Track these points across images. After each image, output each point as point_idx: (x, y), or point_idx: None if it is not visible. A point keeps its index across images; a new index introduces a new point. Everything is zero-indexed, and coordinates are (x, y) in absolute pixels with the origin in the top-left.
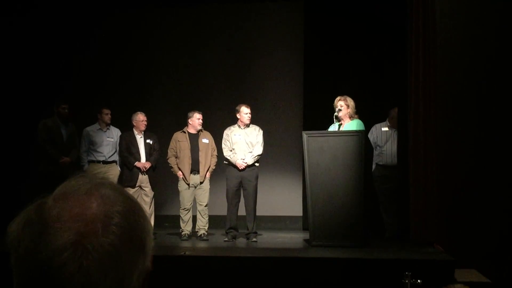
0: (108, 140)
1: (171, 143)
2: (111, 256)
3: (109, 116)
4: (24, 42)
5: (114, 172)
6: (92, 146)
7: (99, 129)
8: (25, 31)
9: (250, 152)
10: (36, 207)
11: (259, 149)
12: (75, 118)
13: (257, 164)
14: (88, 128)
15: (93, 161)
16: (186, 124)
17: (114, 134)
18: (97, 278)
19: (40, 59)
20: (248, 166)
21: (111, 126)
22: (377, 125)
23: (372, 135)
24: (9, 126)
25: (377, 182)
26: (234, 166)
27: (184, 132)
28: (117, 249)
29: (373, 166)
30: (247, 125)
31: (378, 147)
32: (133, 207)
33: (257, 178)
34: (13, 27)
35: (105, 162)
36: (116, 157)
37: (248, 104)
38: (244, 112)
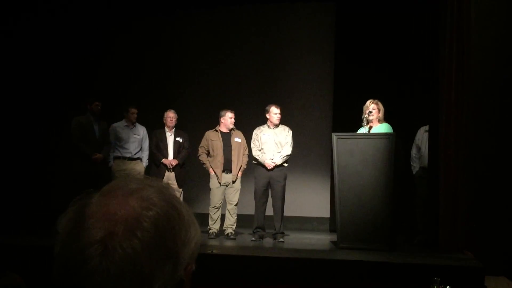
0: (135, 137)
1: (202, 141)
2: (130, 259)
3: (135, 115)
4: (55, 40)
5: (139, 168)
6: (119, 142)
7: (126, 125)
8: (57, 30)
9: (279, 152)
10: (83, 201)
11: (288, 150)
12: (106, 115)
13: (285, 165)
14: (115, 124)
15: (118, 157)
16: (217, 123)
17: (140, 131)
18: (114, 278)
19: (71, 57)
20: (276, 166)
21: (137, 124)
22: (422, 128)
23: (416, 137)
24: (42, 124)
25: (418, 184)
26: (263, 166)
27: (217, 131)
28: (138, 254)
29: (417, 168)
30: (277, 125)
31: (420, 149)
32: (172, 215)
33: (285, 178)
34: (45, 25)
35: (130, 159)
36: (140, 154)
37: (277, 105)
38: (274, 112)
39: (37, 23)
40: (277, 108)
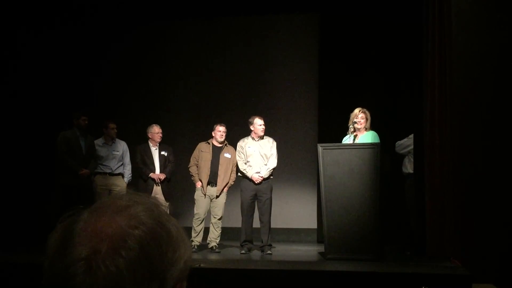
0: (114, 154)
1: (194, 152)
2: (114, 278)
3: (115, 130)
4: (42, 56)
5: (120, 184)
6: (99, 160)
7: (104, 143)
8: (46, 45)
9: (265, 164)
10: (73, 218)
11: (273, 162)
12: (92, 130)
13: (271, 177)
14: (95, 141)
15: (99, 173)
16: (202, 136)
17: (119, 147)
18: None
19: (58, 72)
20: (263, 179)
21: (116, 139)
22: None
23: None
24: (29, 139)
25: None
26: (250, 180)
27: (209, 144)
28: (121, 272)
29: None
30: (261, 137)
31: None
32: (159, 233)
33: (271, 190)
34: (37, 41)
35: (111, 174)
36: (122, 170)
37: (261, 116)
38: (258, 124)
39: (22, 37)
40: (260, 119)
